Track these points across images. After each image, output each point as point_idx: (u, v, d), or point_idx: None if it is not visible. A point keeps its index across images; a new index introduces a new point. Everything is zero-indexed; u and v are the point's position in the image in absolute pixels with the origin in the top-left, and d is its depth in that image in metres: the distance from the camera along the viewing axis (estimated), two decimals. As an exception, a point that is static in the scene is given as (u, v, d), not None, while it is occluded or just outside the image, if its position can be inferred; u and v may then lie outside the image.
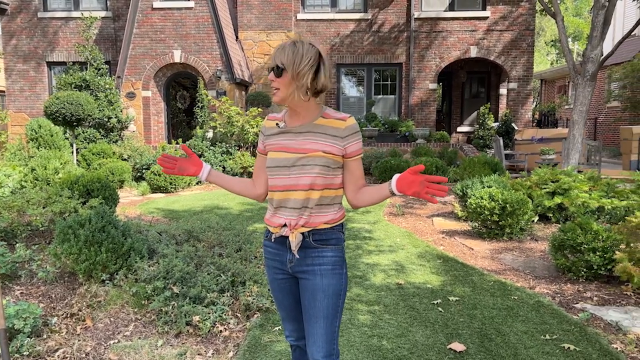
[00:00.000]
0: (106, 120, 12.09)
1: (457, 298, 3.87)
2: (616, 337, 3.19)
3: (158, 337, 3.19)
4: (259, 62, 13.80)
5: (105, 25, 14.06)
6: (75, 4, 14.14)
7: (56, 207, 4.72)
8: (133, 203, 8.28)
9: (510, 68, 13.99)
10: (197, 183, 10.53)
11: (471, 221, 6.02)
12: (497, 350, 3.01)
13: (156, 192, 9.60)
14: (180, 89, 16.27)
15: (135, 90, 12.89)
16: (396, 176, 1.72)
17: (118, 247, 3.78)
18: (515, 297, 3.89)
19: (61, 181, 5.57)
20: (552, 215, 6.18)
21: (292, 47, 1.74)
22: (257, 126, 11.41)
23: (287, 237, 1.83)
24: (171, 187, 9.58)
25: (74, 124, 10.63)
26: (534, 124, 17.58)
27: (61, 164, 7.60)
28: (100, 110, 11.88)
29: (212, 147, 11.37)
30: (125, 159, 11.18)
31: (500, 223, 5.51)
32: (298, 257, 1.83)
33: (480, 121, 13.02)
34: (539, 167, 6.73)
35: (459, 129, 15.65)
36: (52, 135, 9.39)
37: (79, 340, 3.10)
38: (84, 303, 3.51)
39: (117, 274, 3.75)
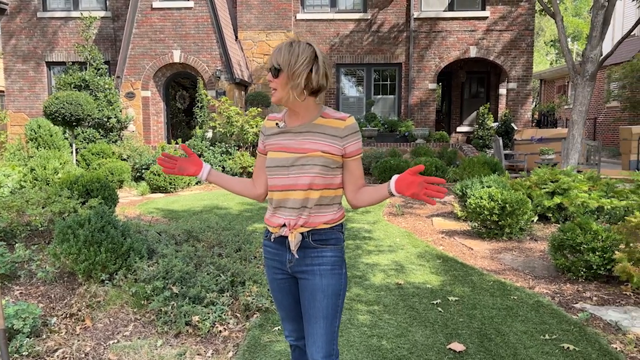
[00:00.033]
0: (105, 120, 12.08)
1: (457, 298, 3.87)
2: (615, 337, 3.19)
3: (157, 337, 3.18)
4: (258, 62, 13.80)
5: (104, 25, 14.06)
6: (75, 4, 14.13)
7: (55, 207, 4.72)
8: (132, 203, 8.28)
9: (509, 68, 14.00)
10: (196, 183, 10.52)
11: (471, 221, 6.02)
12: (497, 350, 3.01)
13: (155, 192, 9.60)
14: (180, 89, 16.27)
15: (135, 90, 12.89)
16: (395, 177, 1.73)
17: (117, 247, 3.77)
18: (515, 297, 3.89)
19: (60, 181, 5.57)
20: (551, 215, 6.18)
21: (288, 48, 1.74)
22: (256, 126, 11.41)
23: (287, 237, 1.83)
24: (170, 187, 9.57)
25: (74, 124, 10.63)
26: (534, 124, 17.60)
27: (60, 164, 7.60)
28: (99, 110, 11.87)
29: (211, 147, 11.37)
30: (124, 159, 11.18)
31: (499, 223, 5.52)
32: (297, 257, 1.83)
33: (480, 121, 13.02)
34: (539, 167, 6.74)
35: (459, 129, 15.65)
36: (51, 135, 9.38)
37: (78, 341, 3.10)
38: (84, 303, 3.51)
39: (116, 274, 3.75)
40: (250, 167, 11.03)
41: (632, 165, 11.06)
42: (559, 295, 3.96)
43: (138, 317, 3.43)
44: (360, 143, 1.85)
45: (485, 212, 5.47)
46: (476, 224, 5.84)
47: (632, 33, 11.09)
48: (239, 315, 3.44)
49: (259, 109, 11.78)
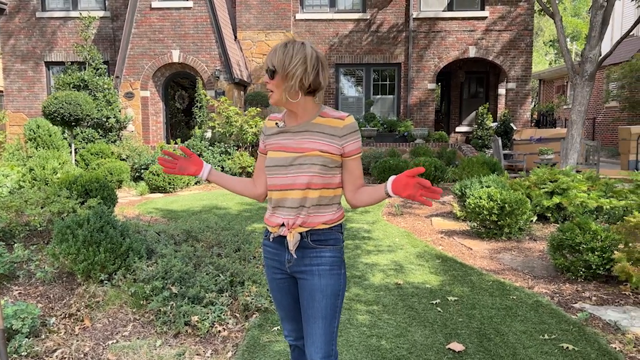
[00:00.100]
0: (105, 120, 12.07)
1: (456, 298, 3.87)
2: (615, 336, 3.20)
3: (157, 337, 3.18)
4: (257, 62, 13.80)
5: (103, 25, 14.04)
6: (74, 4, 14.12)
7: (54, 207, 4.72)
8: (131, 203, 8.27)
9: (508, 68, 14.01)
10: (195, 183, 10.52)
11: (470, 221, 6.02)
12: (496, 350, 3.01)
13: (155, 192, 9.59)
14: (179, 89, 16.26)
15: (134, 90, 12.88)
16: (392, 178, 1.73)
17: (116, 247, 3.77)
18: (514, 297, 3.89)
19: (59, 181, 5.56)
20: (550, 215, 6.18)
21: (282, 49, 1.74)
22: (255, 126, 11.40)
23: (286, 236, 1.83)
24: (170, 187, 9.57)
25: (73, 124, 10.62)
26: (533, 124, 17.62)
27: (59, 164, 7.59)
28: (98, 110, 11.86)
29: (210, 147, 11.36)
30: (123, 159, 11.17)
31: (499, 223, 5.52)
32: (296, 257, 1.83)
33: (479, 121, 13.03)
34: (538, 167, 6.74)
35: (458, 129, 15.66)
36: (50, 135, 9.37)
37: (77, 341, 3.09)
38: (83, 303, 3.50)
39: (115, 274, 3.74)
40: (250, 167, 11.03)
41: (631, 165, 11.07)
42: (558, 295, 3.96)
43: (137, 317, 3.43)
44: (360, 142, 1.85)
45: (485, 212, 5.47)
46: (475, 224, 5.85)
47: (631, 33, 11.09)
48: (238, 315, 3.44)
49: (258, 109, 11.77)
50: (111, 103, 12.24)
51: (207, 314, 3.29)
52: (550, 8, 8.67)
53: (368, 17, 14.03)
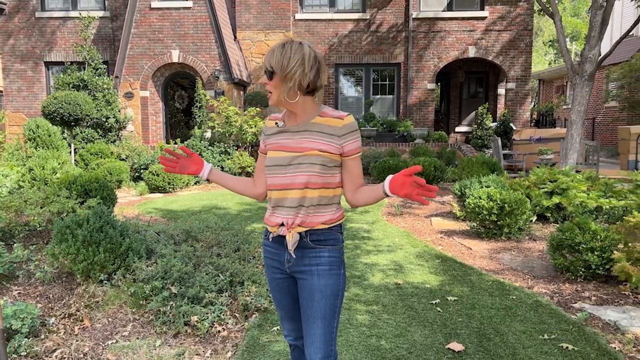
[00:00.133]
0: (104, 120, 12.07)
1: (456, 298, 3.87)
2: (614, 336, 3.20)
3: (156, 337, 3.18)
4: (257, 62, 13.80)
5: (103, 25, 14.04)
6: (73, 4, 14.11)
7: (54, 207, 4.71)
8: (131, 203, 8.27)
9: (508, 68, 14.01)
10: (195, 183, 10.51)
11: (469, 221, 6.02)
12: (496, 350, 3.01)
13: (154, 192, 9.59)
14: (179, 89, 16.26)
15: (133, 90, 12.88)
16: (389, 177, 1.73)
17: (116, 247, 3.77)
18: (514, 297, 3.89)
19: (59, 181, 5.56)
20: (550, 215, 6.19)
21: (280, 49, 1.74)
22: (255, 126, 11.40)
23: (285, 236, 1.83)
24: (169, 187, 9.56)
25: (72, 123, 10.61)
26: (532, 124, 17.62)
27: (59, 164, 7.59)
28: (98, 110, 11.86)
29: (210, 147, 11.36)
30: (123, 159, 11.17)
31: (498, 223, 5.52)
32: (295, 257, 1.83)
33: (479, 121, 13.03)
34: (537, 167, 6.74)
35: (457, 129, 15.66)
36: (49, 135, 9.36)
37: (76, 341, 3.09)
38: (82, 303, 3.50)
39: (115, 274, 3.74)
40: (249, 167, 11.03)
41: (630, 165, 11.08)
42: (557, 295, 3.96)
43: (137, 317, 3.43)
44: (359, 142, 1.85)
45: (484, 212, 5.47)
46: (475, 224, 5.85)
47: (631, 33, 11.10)
48: (237, 315, 3.44)
49: (257, 109, 11.77)
50: (111, 103, 12.23)
51: (207, 314, 3.29)
52: (550, 8, 8.67)
53: (368, 17, 14.03)
